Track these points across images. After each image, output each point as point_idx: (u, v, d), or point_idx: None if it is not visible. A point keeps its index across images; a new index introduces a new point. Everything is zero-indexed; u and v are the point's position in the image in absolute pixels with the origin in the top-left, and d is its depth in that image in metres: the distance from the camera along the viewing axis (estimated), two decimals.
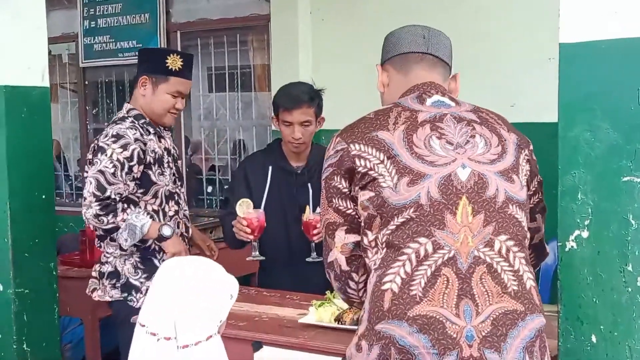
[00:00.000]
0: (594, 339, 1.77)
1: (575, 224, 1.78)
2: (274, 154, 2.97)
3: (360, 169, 1.64)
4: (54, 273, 2.89)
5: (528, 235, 1.67)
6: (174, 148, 3.01)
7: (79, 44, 5.75)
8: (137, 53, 3.12)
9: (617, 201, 1.72)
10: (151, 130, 2.86)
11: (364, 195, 1.63)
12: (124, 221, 2.69)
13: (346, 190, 1.68)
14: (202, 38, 5.34)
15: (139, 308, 1.85)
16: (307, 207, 2.78)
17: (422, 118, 1.68)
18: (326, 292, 2.40)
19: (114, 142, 2.73)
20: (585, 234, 1.77)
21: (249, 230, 2.73)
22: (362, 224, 1.66)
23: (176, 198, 2.93)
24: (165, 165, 2.88)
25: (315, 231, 2.68)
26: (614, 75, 1.72)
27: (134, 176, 2.75)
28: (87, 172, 2.76)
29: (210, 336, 1.58)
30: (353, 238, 1.69)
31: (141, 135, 2.79)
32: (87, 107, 5.96)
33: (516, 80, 3.99)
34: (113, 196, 2.69)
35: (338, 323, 2.25)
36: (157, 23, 5.34)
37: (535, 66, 3.89)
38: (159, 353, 1.55)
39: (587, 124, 1.75)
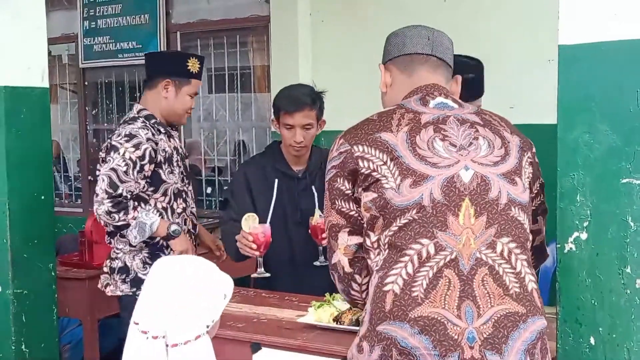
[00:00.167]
0: (592, 341, 1.77)
1: (574, 226, 1.78)
2: (274, 158, 2.92)
3: (363, 170, 1.64)
4: (53, 274, 2.89)
5: (530, 237, 1.67)
6: (181, 147, 3.12)
7: (79, 44, 5.75)
8: (145, 55, 3.28)
9: (616, 203, 1.72)
10: (162, 129, 2.97)
11: (367, 197, 1.64)
12: (134, 219, 2.81)
13: (349, 192, 1.68)
14: (202, 39, 5.34)
15: None
16: (317, 210, 2.72)
17: (426, 120, 1.68)
18: (325, 294, 2.40)
19: (127, 141, 2.83)
20: (584, 236, 1.77)
21: (254, 246, 2.66)
22: (365, 225, 1.66)
23: (184, 196, 3.04)
24: (175, 163, 2.99)
25: (323, 235, 2.64)
26: (613, 77, 1.72)
27: (145, 175, 2.85)
28: (99, 170, 2.87)
29: (199, 336, 1.58)
30: (356, 240, 1.69)
31: (153, 135, 2.90)
32: (87, 108, 5.96)
33: (516, 82, 3.99)
34: (125, 194, 2.80)
35: (337, 323, 2.25)
36: (157, 24, 5.34)
37: (534, 68, 3.89)
38: (149, 351, 1.55)
39: (586, 126, 1.75)
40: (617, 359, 1.74)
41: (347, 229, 1.70)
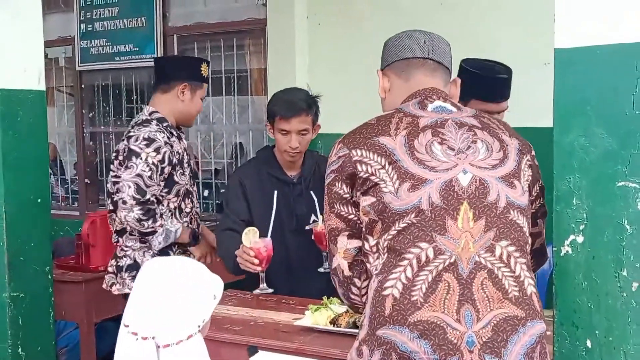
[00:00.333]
0: (589, 344, 1.77)
1: (571, 229, 1.78)
2: (267, 164, 2.88)
3: (361, 174, 1.64)
4: (50, 277, 2.88)
5: (529, 240, 1.68)
6: (189, 147, 3.25)
7: (76, 47, 5.74)
8: (156, 59, 3.48)
9: (612, 206, 1.72)
10: (174, 132, 3.05)
11: (365, 201, 1.64)
12: (161, 227, 2.91)
13: (347, 195, 1.68)
14: (199, 42, 5.34)
15: None
16: (320, 216, 2.69)
17: (424, 124, 1.68)
18: (322, 297, 2.40)
19: (147, 145, 2.90)
20: (580, 239, 1.77)
21: (256, 261, 2.62)
22: (364, 229, 1.66)
23: (191, 196, 3.12)
24: (185, 165, 3.07)
25: None
26: (609, 81, 1.73)
27: (164, 177, 2.94)
28: (114, 172, 2.93)
29: (191, 335, 1.58)
30: (355, 243, 1.70)
31: (168, 138, 2.97)
32: (84, 111, 5.95)
33: (512, 85, 3.99)
34: (152, 198, 2.88)
35: (333, 326, 2.25)
36: (154, 27, 5.34)
37: (530, 71, 3.89)
38: (139, 353, 1.55)
39: (582, 129, 1.75)
40: None
41: (347, 233, 1.70)
